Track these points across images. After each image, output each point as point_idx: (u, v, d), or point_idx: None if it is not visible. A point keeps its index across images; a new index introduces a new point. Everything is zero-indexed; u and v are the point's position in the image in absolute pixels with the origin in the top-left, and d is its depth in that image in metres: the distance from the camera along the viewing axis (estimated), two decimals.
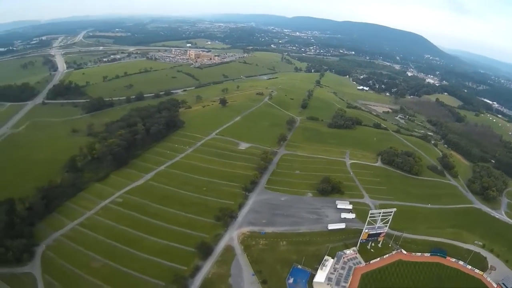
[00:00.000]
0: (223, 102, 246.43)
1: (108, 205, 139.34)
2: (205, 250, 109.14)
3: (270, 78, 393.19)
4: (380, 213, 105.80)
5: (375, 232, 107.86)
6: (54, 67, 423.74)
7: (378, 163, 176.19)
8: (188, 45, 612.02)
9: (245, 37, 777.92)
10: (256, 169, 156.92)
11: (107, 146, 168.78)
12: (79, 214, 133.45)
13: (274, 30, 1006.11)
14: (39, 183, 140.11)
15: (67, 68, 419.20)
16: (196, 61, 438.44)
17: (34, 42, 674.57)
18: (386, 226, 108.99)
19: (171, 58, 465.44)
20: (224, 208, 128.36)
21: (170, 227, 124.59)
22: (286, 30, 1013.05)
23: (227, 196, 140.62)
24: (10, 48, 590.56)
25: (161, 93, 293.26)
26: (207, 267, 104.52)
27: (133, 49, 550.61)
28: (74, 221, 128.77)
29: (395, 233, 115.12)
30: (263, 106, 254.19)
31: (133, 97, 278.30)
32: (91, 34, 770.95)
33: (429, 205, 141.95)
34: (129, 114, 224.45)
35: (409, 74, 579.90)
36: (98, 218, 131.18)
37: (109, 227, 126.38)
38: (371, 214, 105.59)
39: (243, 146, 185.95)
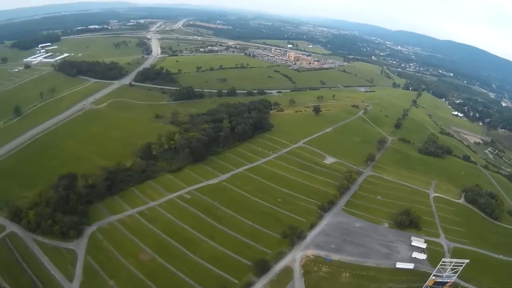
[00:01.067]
0: (317, 110, 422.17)
1: (174, 199, 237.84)
2: (262, 267, 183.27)
3: (367, 91, 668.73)
4: (452, 262, 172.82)
5: (442, 280, 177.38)
6: (148, 51, 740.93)
7: (461, 200, 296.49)
8: (289, 46, 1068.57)
9: (346, 45, 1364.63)
10: (338, 188, 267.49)
11: (187, 139, 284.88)
12: (142, 202, 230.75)
13: (376, 41, 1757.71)
14: (109, 162, 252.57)
15: (161, 53, 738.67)
16: (295, 64, 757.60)
17: (131, 24, 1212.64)
18: (455, 275, 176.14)
19: (269, 57, 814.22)
20: (294, 226, 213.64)
21: (232, 234, 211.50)
22: (388, 43, 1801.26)
23: (301, 212, 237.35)
24: (105, 26, 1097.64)
25: (254, 91, 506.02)
26: (260, 285, 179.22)
27: (232, 43, 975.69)
28: (134, 209, 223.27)
29: (462, 283, 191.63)
30: (356, 120, 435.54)
31: (225, 91, 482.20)
32: (191, 23, 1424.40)
33: (501, 256, 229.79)
34: (216, 109, 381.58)
35: (503, 104, 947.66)
36: (160, 211, 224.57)
37: (169, 221, 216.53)
38: (442, 262, 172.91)
39: (329, 160, 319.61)
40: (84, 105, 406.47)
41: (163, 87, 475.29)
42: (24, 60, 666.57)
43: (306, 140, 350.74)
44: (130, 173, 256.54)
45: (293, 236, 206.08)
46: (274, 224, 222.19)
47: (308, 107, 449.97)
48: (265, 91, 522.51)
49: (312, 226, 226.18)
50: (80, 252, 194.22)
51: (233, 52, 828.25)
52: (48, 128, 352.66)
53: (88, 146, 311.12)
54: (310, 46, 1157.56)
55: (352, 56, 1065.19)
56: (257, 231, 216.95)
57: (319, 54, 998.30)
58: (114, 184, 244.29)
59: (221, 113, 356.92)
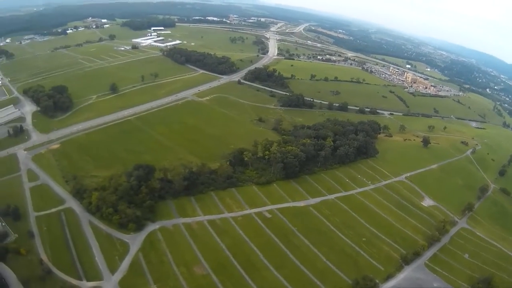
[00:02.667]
0: (426, 142, 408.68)
1: (252, 215, 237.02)
2: None
3: (478, 127, 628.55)
4: None
5: None
6: (264, 50, 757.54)
7: None
8: (407, 66, 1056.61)
9: (463, 73, 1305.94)
10: (428, 238, 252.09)
11: (283, 152, 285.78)
12: (217, 211, 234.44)
13: (492, 73, 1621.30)
14: (196, 159, 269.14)
15: (277, 55, 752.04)
16: (411, 86, 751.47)
17: (251, 21, 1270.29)
18: None
19: (387, 75, 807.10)
20: (369, 276, 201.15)
21: (301, 268, 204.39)
22: (503, 76, 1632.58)
23: (382, 259, 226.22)
24: (224, 20, 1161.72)
25: (366, 109, 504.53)
26: None
27: (351, 54, 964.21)
28: (207, 216, 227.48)
29: None
30: (463, 160, 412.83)
31: (336, 105, 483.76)
32: (313, 28, 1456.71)
33: None
34: (323, 124, 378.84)
35: None
36: (233, 224, 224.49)
37: (238, 238, 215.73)
38: None
39: (427, 202, 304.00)
40: (187, 96, 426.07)
41: (273, 90, 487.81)
42: (133, 40, 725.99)
43: (409, 174, 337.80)
44: (214, 177, 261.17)
45: None
46: (350, 266, 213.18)
47: (417, 137, 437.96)
48: (377, 111, 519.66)
49: (387, 277, 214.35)
50: (133, 247, 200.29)
51: (351, 64, 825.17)
52: (142, 112, 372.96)
53: (179, 138, 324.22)
54: (428, 69, 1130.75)
55: (468, 86, 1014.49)
56: (329, 271, 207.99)
57: (436, 78, 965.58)
58: (194, 184, 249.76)
59: (326, 130, 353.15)
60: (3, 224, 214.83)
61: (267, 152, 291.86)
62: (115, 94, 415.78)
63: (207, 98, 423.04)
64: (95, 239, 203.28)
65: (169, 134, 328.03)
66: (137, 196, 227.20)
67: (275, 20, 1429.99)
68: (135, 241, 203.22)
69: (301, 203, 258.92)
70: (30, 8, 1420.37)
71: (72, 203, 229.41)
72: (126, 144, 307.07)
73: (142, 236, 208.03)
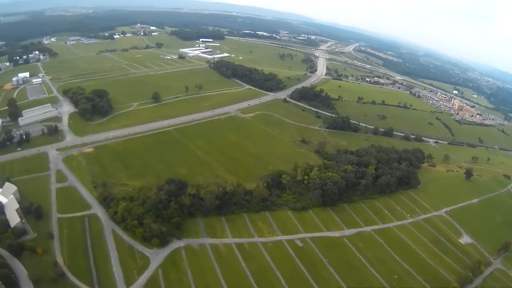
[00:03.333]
0: (468, 174, 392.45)
1: (283, 242, 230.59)
2: None
3: None
4: None
5: None
6: (312, 69, 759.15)
7: None
8: (454, 92, 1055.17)
9: (509, 101, 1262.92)
10: (459, 279, 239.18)
11: (322, 179, 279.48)
12: (247, 234, 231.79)
13: None
14: (232, 178, 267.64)
15: (326, 74, 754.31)
16: (458, 113, 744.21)
17: (301, 38, 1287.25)
18: None
19: (434, 101, 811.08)
20: None
21: None
22: None
23: None
24: (274, 35, 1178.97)
25: (411, 136, 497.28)
26: None
27: (400, 78, 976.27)
28: (235, 239, 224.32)
29: None
30: (504, 194, 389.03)
31: (382, 130, 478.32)
32: (362, 48, 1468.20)
33: None
34: (366, 150, 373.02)
35: None
36: (262, 250, 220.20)
37: (265, 266, 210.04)
38: None
39: (464, 239, 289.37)
40: (231, 110, 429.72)
41: (319, 110, 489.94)
42: (180, 50, 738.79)
43: (449, 209, 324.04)
44: (249, 198, 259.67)
45: None
46: None
47: (460, 168, 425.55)
48: (423, 138, 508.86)
49: None
50: (154, 263, 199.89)
51: (399, 88, 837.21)
52: (182, 123, 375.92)
53: (218, 154, 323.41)
54: (475, 96, 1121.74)
55: None
56: None
57: (482, 106, 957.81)
58: (226, 204, 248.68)
59: (369, 156, 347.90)
60: (24, 221, 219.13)
61: (306, 176, 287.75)
62: (157, 103, 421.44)
63: (251, 114, 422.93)
64: (116, 250, 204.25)
65: (208, 149, 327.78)
66: (165, 211, 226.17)
67: (325, 39, 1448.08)
68: (156, 257, 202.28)
69: (336, 234, 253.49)
70: (79, 10, 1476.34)
71: (97, 210, 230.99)
72: (162, 155, 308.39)
73: (165, 252, 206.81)
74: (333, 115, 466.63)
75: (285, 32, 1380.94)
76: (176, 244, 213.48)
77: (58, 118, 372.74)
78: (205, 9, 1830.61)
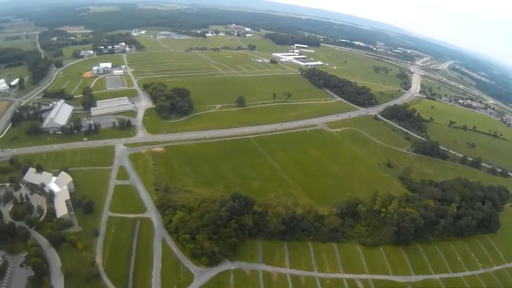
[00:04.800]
0: None
1: (343, 281, 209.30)
2: None
3: None
4: None
5: None
6: (406, 85, 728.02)
7: None
8: None
9: None
10: None
11: (400, 214, 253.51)
12: (307, 266, 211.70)
13: None
14: (306, 199, 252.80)
15: (419, 92, 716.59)
16: None
17: (397, 51, 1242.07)
18: None
19: None
20: None
21: None
22: None
23: None
24: (370, 46, 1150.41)
25: (498, 169, 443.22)
26: None
27: (492, 102, 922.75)
28: (292, 269, 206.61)
29: None
30: None
31: (470, 159, 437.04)
32: (456, 67, 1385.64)
33: None
34: (451, 183, 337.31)
35: None
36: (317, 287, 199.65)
37: None
38: None
39: None
40: (317, 123, 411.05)
41: (409, 132, 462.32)
42: (273, 54, 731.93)
43: None
44: (318, 225, 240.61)
45: None
46: None
47: None
48: (509, 173, 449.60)
49: None
50: (197, 282, 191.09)
51: (490, 113, 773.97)
52: (264, 132, 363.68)
53: (296, 171, 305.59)
54: None
55: None
56: None
57: None
58: (292, 229, 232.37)
59: (453, 192, 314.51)
60: (72, 213, 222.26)
61: (384, 209, 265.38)
62: (241, 108, 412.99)
63: (338, 130, 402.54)
64: (161, 260, 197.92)
65: (287, 163, 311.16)
66: (224, 229, 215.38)
67: (420, 53, 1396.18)
68: (202, 276, 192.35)
69: (401, 279, 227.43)
70: (173, 5, 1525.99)
71: (152, 215, 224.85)
72: (236, 164, 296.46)
73: (212, 273, 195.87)
74: (423, 138, 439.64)
75: (382, 43, 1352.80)
76: (226, 266, 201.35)
77: (133, 113, 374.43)
78: (302, 14, 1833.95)
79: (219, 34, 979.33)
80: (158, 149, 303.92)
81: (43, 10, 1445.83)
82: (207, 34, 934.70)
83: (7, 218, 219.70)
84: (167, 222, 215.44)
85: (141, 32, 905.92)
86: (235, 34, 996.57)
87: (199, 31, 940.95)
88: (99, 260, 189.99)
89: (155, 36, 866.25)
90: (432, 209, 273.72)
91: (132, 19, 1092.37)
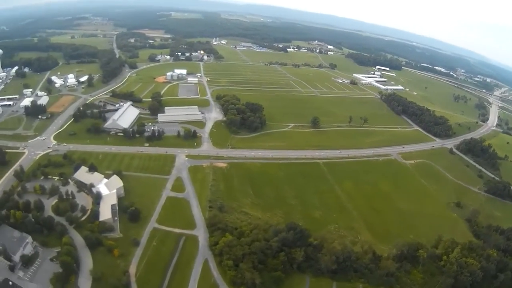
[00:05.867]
0: None
1: None
2: None
3: None
4: None
5: None
6: (484, 117, 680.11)
7: None
8: None
9: None
10: None
11: (461, 265, 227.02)
12: None
13: None
14: (368, 235, 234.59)
15: (496, 125, 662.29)
16: None
17: (477, 79, 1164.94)
18: None
19: None
20: None
21: None
22: None
23: None
24: (450, 72, 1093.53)
25: None
26: None
27: None
28: None
29: None
30: None
31: None
32: None
33: None
34: None
35: None
36: None
37: None
38: None
39: None
40: (390, 151, 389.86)
41: (482, 169, 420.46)
42: (354, 74, 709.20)
43: None
44: (372, 267, 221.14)
45: None
46: None
47: None
48: None
49: None
50: None
51: None
52: (335, 158, 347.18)
53: (362, 203, 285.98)
54: None
55: None
56: None
57: None
58: (345, 268, 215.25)
59: None
60: (116, 218, 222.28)
61: (445, 257, 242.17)
62: (315, 129, 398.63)
63: (412, 161, 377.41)
64: (197, 283, 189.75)
65: (354, 194, 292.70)
66: (271, 260, 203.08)
67: (499, 83, 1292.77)
68: None
69: None
70: (257, 18, 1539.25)
71: (200, 233, 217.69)
72: (301, 190, 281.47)
73: None
74: (496, 177, 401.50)
75: (462, 70, 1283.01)
76: None
77: (201, 123, 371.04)
78: (385, 35, 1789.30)
79: (301, 50, 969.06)
80: (221, 164, 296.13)
81: (124, 11, 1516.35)
82: (288, 49, 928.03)
83: (48, 212, 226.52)
84: (213, 243, 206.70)
85: (221, 42, 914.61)
86: (317, 51, 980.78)
87: (280, 45, 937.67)
88: (133, 270, 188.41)
89: (236, 47, 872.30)
90: (493, 260, 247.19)
91: (214, 28, 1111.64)
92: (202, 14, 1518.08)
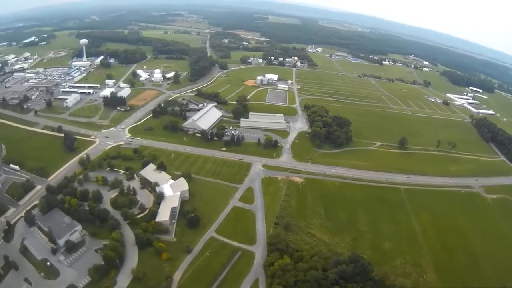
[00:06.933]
0: None
1: None
2: None
3: None
4: None
5: None
6: None
7: None
8: None
9: None
10: None
11: None
12: None
13: None
14: (433, 274, 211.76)
15: None
16: None
17: None
18: None
19: None
20: None
21: None
22: None
23: None
24: None
25: None
26: None
27: None
28: None
29: None
30: None
31: None
32: None
33: None
34: None
35: None
36: None
37: None
38: None
39: None
40: (472, 183, 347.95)
41: None
42: (447, 94, 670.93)
43: None
44: None
45: None
46: None
47: None
48: None
49: None
50: None
51: None
52: (417, 185, 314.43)
53: (436, 238, 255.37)
54: None
55: None
56: None
57: None
58: None
59: None
60: (173, 221, 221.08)
61: None
62: (401, 151, 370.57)
63: (493, 196, 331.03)
64: None
65: (428, 227, 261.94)
66: None
67: None
68: None
69: None
70: (354, 27, 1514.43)
71: (258, 250, 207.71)
72: (375, 216, 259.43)
73: None
74: None
75: None
76: None
77: (284, 133, 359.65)
78: (479, 53, 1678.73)
79: (396, 64, 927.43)
80: (297, 179, 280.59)
81: (220, 11, 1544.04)
82: (384, 62, 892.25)
83: (106, 204, 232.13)
84: (268, 264, 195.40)
85: (317, 49, 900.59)
86: (412, 66, 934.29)
87: (376, 58, 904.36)
88: (177, 276, 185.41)
89: (331, 56, 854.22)
90: None
91: (310, 35, 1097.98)
92: (300, 20, 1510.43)
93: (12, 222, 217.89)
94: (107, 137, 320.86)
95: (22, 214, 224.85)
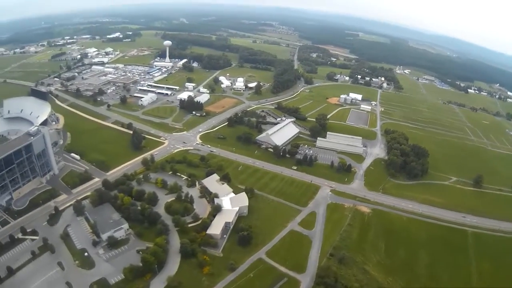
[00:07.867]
0: None
1: None
2: None
3: None
4: None
5: None
6: None
7: None
8: None
9: None
10: None
11: None
12: None
13: None
14: None
15: None
16: None
17: None
18: None
19: None
20: None
21: None
22: None
23: None
24: None
25: None
26: None
27: None
28: None
29: None
30: None
31: None
32: None
33: None
34: None
35: None
36: None
37: None
38: None
39: None
40: None
41: None
42: None
43: None
44: None
45: None
46: None
47: None
48: None
49: None
50: None
51: None
52: (486, 229, 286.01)
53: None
54: None
55: None
56: None
57: None
58: None
59: None
60: (224, 236, 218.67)
61: None
62: (475, 189, 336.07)
63: None
64: None
65: (487, 278, 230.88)
66: None
67: None
68: None
69: None
70: (443, 50, 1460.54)
71: (305, 280, 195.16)
72: (435, 259, 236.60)
73: None
74: None
75: None
76: None
77: (360, 158, 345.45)
78: None
79: (481, 93, 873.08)
80: (364, 208, 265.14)
81: (311, 24, 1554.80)
82: (469, 90, 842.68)
83: (160, 208, 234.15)
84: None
85: (404, 71, 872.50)
86: (497, 96, 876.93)
87: (462, 84, 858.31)
88: None
89: (418, 79, 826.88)
90: None
91: (399, 55, 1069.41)
92: (390, 39, 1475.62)
93: (60, 208, 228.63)
94: (176, 140, 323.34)
95: (72, 202, 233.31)
